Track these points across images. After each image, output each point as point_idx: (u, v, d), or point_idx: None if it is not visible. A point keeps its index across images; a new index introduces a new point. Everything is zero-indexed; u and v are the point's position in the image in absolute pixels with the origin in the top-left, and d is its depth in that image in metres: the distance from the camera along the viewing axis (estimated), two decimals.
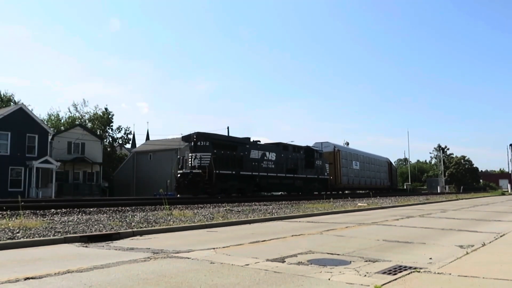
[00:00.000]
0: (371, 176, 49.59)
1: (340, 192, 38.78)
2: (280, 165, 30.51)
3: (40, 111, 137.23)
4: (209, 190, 24.06)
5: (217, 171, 23.98)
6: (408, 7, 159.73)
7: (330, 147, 41.04)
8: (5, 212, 11.18)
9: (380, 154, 55.46)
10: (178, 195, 26.23)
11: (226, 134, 29.39)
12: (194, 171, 24.13)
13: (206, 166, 23.78)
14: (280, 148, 31.25)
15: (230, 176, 25.57)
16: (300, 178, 32.52)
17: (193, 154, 25.04)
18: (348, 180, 43.03)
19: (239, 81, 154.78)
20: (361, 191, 43.86)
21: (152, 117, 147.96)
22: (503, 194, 57.31)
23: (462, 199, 33.08)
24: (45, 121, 54.30)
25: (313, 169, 34.39)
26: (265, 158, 29.07)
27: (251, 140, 28.93)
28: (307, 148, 34.91)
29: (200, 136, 25.31)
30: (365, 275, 4.58)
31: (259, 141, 29.84)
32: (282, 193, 32.82)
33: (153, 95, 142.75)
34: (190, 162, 25.16)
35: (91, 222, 9.52)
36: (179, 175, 24.95)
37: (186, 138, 26.45)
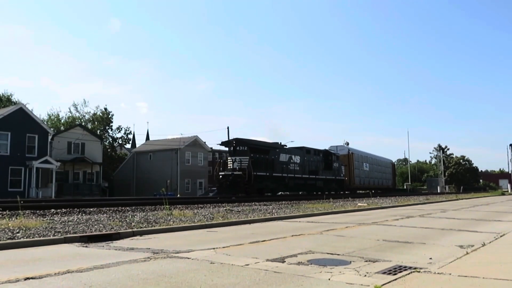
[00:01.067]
0: (378, 177, 52.96)
1: (357, 192, 41.51)
2: (304, 167, 33.58)
3: (40, 111, 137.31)
4: (248, 190, 27.10)
5: (255, 173, 27.12)
6: (408, 7, 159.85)
7: (344, 150, 44.92)
8: (5, 212, 11.18)
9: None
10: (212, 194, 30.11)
11: (259, 139, 32.86)
12: (235, 173, 27.22)
13: (245, 168, 26.98)
14: (303, 151, 34.35)
15: (265, 177, 28.64)
16: (320, 179, 35.74)
17: (232, 158, 28.17)
18: (360, 181, 46.29)
19: (238, 81, 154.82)
20: (369, 191, 46.02)
21: (152, 117, 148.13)
22: (503, 194, 57.31)
23: (462, 199, 33.08)
24: (45, 121, 54.26)
25: (331, 170, 37.51)
26: (291, 161, 32.25)
27: (279, 144, 32.49)
28: (326, 152, 38.16)
29: (239, 141, 28.48)
30: (365, 275, 4.58)
31: (286, 145, 33.33)
32: (304, 192, 35.13)
33: (152, 95, 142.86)
34: (230, 165, 28.18)
35: (91, 222, 9.52)
36: (220, 177, 27.99)
37: (225, 143, 29.66)
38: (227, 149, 30.64)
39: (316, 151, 36.49)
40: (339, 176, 39.13)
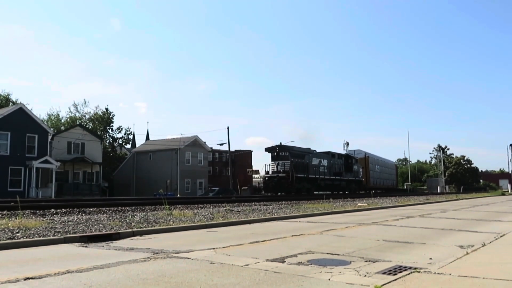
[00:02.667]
0: (385, 177, 58.37)
1: (372, 191, 43.76)
2: (330, 170, 38.25)
3: (40, 111, 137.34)
4: (291, 189, 31.49)
5: (296, 175, 31.56)
6: (408, 7, 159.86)
7: (361, 154, 50.14)
8: (4, 212, 11.17)
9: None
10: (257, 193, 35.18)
11: (294, 145, 37.50)
12: (279, 175, 31.76)
13: (288, 171, 31.56)
14: (330, 155, 38.94)
15: (302, 178, 33.08)
16: (344, 180, 40.38)
17: (275, 162, 32.59)
18: (373, 181, 51.41)
19: (238, 81, 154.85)
20: (378, 191, 51.14)
21: (152, 117, 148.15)
22: (503, 194, 57.36)
23: (462, 199, 33.09)
24: (45, 121, 54.26)
25: (351, 172, 42.08)
26: (321, 164, 36.88)
27: (311, 149, 37.10)
28: (347, 155, 43.12)
29: (281, 148, 33.22)
30: (365, 275, 4.58)
31: (315, 150, 37.63)
32: (329, 192, 37.85)
33: (152, 95, 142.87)
34: (274, 168, 32.63)
35: (91, 222, 9.51)
36: (266, 178, 33.16)
37: (269, 149, 33.97)
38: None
39: (339, 155, 41.28)
40: (358, 177, 43.84)
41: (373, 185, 49.98)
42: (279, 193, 31.54)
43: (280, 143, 34.50)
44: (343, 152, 44.13)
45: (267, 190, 33.55)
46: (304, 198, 26.35)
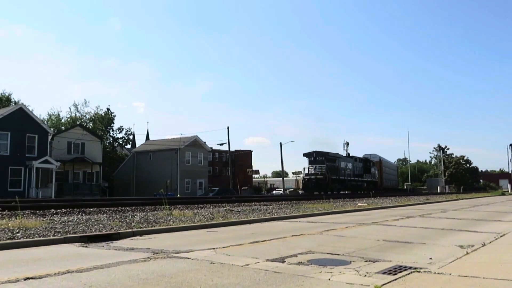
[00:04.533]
0: (390, 178, 65.43)
1: (372, 192, 47.51)
2: (353, 172, 43.98)
3: (40, 111, 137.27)
4: (327, 189, 36.46)
5: (331, 177, 37.58)
6: (407, 7, 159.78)
7: (376, 158, 57.69)
8: (4, 212, 11.17)
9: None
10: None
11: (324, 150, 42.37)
12: (317, 176, 37.81)
13: (324, 173, 37.63)
14: (353, 159, 44.77)
15: (335, 180, 39.03)
16: (364, 181, 46.67)
17: (313, 165, 38.87)
18: (385, 182, 59.04)
19: (238, 82, 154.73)
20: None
21: (152, 117, 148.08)
22: (503, 194, 57.36)
23: (462, 199, 33.08)
24: (45, 121, 54.19)
25: (369, 174, 48.34)
26: (347, 167, 42.81)
27: (338, 154, 43.03)
28: (365, 159, 49.40)
29: (318, 153, 39.39)
30: (365, 275, 4.57)
31: (341, 155, 43.67)
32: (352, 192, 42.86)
33: (152, 95, 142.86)
34: (312, 171, 38.75)
35: (91, 222, 9.51)
36: (306, 180, 39.18)
37: (307, 154, 39.99)
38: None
39: (360, 159, 47.24)
40: (374, 179, 50.14)
41: (385, 186, 57.15)
42: (317, 192, 35.30)
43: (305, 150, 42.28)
44: (361, 156, 50.45)
45: (306, 190, 38.93)
46: (304, 198, 26.36)
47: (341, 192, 39.12)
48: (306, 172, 39.59)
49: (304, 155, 40.30)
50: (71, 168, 44.25)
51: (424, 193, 55.91)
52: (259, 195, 44.51)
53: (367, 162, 48.45)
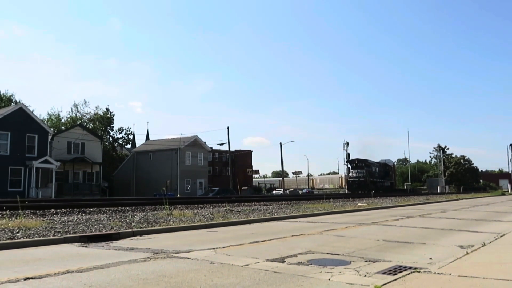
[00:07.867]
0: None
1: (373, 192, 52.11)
2: (379, 175, 55.40)
3: (40, 111, 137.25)
4: (367, 190, 44.39)
5: (369, 179, 49.50)
6: (407, 7, 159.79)
7: (391, 162, 67.52)
8: (4, 212, 11.17)
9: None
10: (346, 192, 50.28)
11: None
12: (360, 179, 50.18)
13: (366, 176, 50.19)
14: (379, 164, 56.93)
15: (372, 182, 50.75)
16: (386, 182, 58.58)
17: (355, 170, 51.80)
18: (396, 184, 71.15)
19: (238, 82, 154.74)
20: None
21: (152, 117, 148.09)
22: (503, 194, 57.34)
23: (462, 199, 33.08)
24: (45, 121, 54.16)
25: (389, 177, 60.25)
26: (376, 171, 54.77)
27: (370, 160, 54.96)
28: (385, 164, 60.39)
29: (359, 160, 52.63)
30: (365, 275, 4.57)
31: (372, 161, 55.51)
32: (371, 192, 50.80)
33: (152, 95, 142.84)
34: (354, 174, 51.48)
35: (91, 222, 9.51)
36: (350, 181, 51.24)
37: (350, 161, 53.67)
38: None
39: (381, 164, 58.29)
40: (391, 181, 62.17)
41: (396, 187, 68.17)
42: (360, 192, 44.74)
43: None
44: (381, 161, 60.64)
45: (350, 190, 49.28)
46: (304, 198, 26.36)
47: (372, 191, 44.65)
48: (350, 175, 52.25)
49: (348, 161, 54.55)
50: (71, 168, 44.24)
51: (424, 193, 55.86)
52: (259, 195, 44.55)
53: (386, 167, 59.60)
